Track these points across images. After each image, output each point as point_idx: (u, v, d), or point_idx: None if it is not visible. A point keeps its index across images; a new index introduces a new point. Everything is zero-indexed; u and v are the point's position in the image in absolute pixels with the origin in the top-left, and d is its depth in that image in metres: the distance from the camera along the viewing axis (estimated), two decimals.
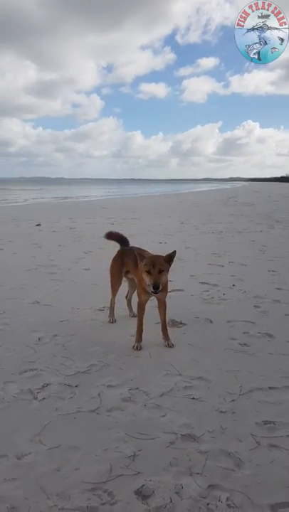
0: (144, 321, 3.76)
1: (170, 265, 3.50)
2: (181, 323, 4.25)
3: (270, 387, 2.94)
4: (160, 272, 3.34)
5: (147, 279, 3.36)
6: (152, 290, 3.31)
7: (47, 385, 2.98)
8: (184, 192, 52.88)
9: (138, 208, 22.09)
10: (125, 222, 14.36)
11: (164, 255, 3.51)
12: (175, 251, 3.57)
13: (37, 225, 13.01)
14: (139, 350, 3.61)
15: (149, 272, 3.33)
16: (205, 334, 3.97)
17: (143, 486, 1.99)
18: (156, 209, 21.06)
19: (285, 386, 2.95)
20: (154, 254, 3.66)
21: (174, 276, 6.23)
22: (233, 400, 2.78)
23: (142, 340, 3.70)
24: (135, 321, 4.18)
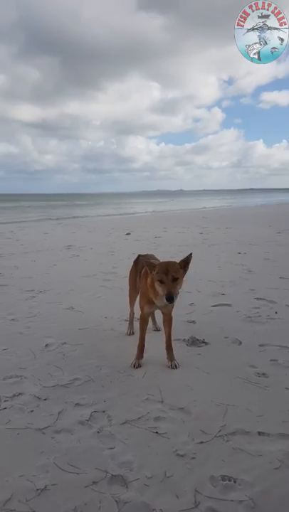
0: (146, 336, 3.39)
1: (186, 271, 3.07)
2: (203, 342, 3.73)
3: (259, 433, 2.33)
4: (174, 279, 2.91)
5: (160, 290, 2.94)
6: (166, 302, 2.89)
7: (19, 394, 2.84)
8: None
9: (239, 217, 21.15)
10: (217, 231, 13.80)
11: (179, 261, 3.09)
12: (191, 254, 3.11)
13: (127, 234, 13.28)
14: (137, 367, 3.25)
15: (161, 281, 2.91)
16: (223, 357, 3.41)
17: None
18: (258, 219, 19.87)
19: (279, 434, 2.31)
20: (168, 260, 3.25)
21: (231, 289, 5.66)
22: (201, 442, 2.26)
23: (142, 357, 3.34)
24: (156, 335, 3.86)
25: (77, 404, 2.69)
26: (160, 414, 2.55)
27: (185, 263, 3.02)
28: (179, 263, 3.00)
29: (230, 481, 1.95)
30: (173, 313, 4.32)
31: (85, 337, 3.93)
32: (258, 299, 5.16)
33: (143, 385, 2.97)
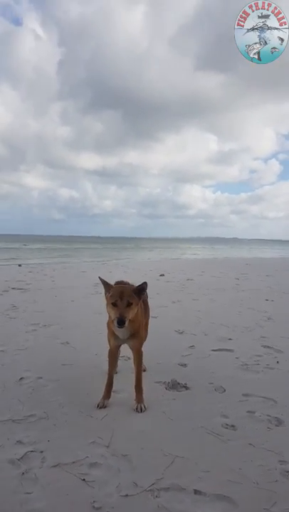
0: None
1: (140, 299, 2.94)
2: (184, 387, 3.46)
3: (195, 491, 2.04)
4: (128, 305, 2.79)
5: (112, 313, 2.82)
6: (117, 325, 2.75)
7: None
8: None
9: (285, 266, 20.27)
10: (255, 278, 13.29)
11: (133, 287, 2.97)
12: (146, 282, 2.97)
13: (160, 275, 13.18)
14: (101, 408, 3.04)
15: (115, 305, 2.79)
16: (197, 404, 3.12)
17: None
18: None
19: (216, 495, 2.01)
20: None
21: (241, 334, 5.32)
22: (126, 495, 2.02)
23: (109, 397, 3.13)
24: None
25: (18, 442, 2.54)
26: (98, 460, 2.33)
27: (139, 290, 2.89)
28: (133, 289, 2.87)
29: None
30: (167, 354, 4.13)
31: (65, 373, 3.81)
32: (265, 346, 4.77)
33: (97, 427, 2.76)
